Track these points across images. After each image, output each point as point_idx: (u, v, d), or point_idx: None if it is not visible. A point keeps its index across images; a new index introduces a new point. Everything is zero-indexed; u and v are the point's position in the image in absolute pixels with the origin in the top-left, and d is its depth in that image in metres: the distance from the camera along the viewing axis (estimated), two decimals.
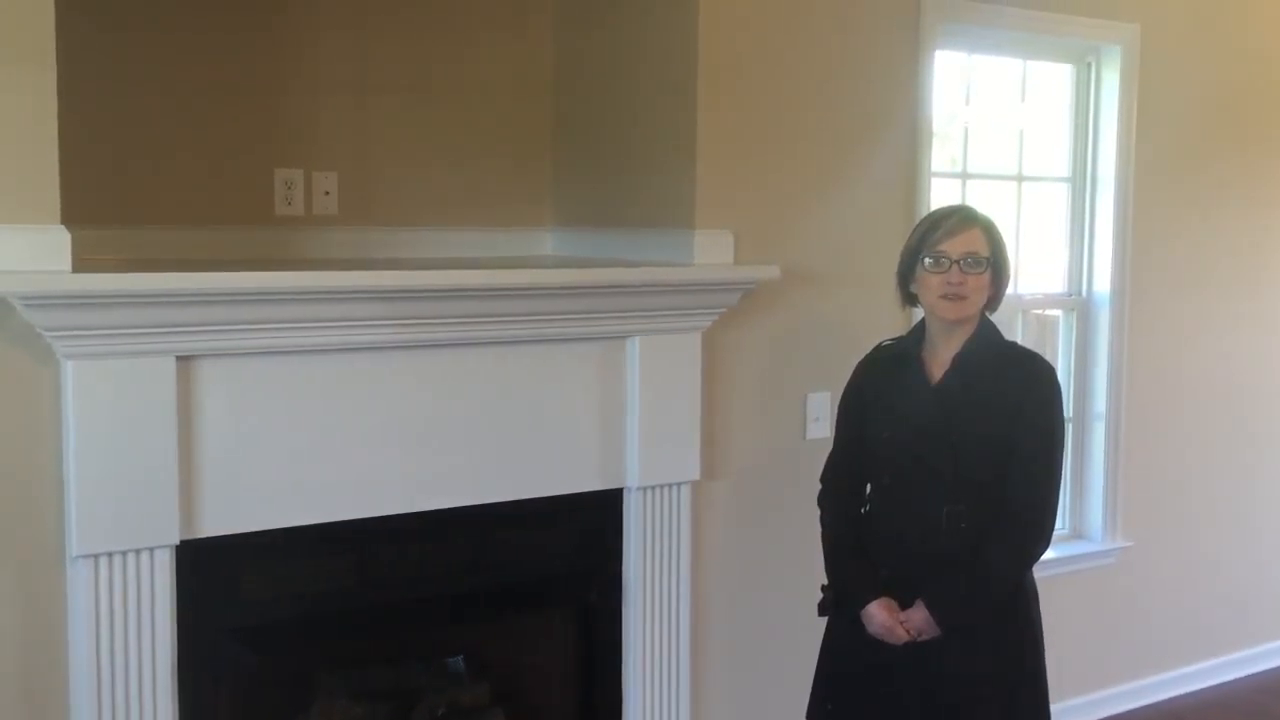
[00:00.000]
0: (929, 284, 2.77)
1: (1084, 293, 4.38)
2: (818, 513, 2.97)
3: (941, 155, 4.05)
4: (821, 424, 3.53)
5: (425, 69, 3.43)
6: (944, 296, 2.74)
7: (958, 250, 2.74)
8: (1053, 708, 2.89)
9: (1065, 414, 3.23)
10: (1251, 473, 4.80)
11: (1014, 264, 3.00)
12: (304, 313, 2.70)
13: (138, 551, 2.60)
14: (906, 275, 2.84)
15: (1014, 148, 4.31)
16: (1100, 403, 4.38)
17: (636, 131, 3.43)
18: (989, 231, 2.79)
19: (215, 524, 2.70)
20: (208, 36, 3.13)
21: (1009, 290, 2.89)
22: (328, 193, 3.31)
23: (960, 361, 2.78)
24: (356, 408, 2.85)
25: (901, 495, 2.80)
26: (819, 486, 2.99)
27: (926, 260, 2.77)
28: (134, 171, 3.04)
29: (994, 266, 2.77)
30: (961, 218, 2.80)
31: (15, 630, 2.55)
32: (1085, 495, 4.45)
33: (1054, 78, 4.33)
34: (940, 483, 2.73)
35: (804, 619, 3.01)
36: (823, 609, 2.92)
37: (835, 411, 3.03)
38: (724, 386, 3.42)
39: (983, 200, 4.05)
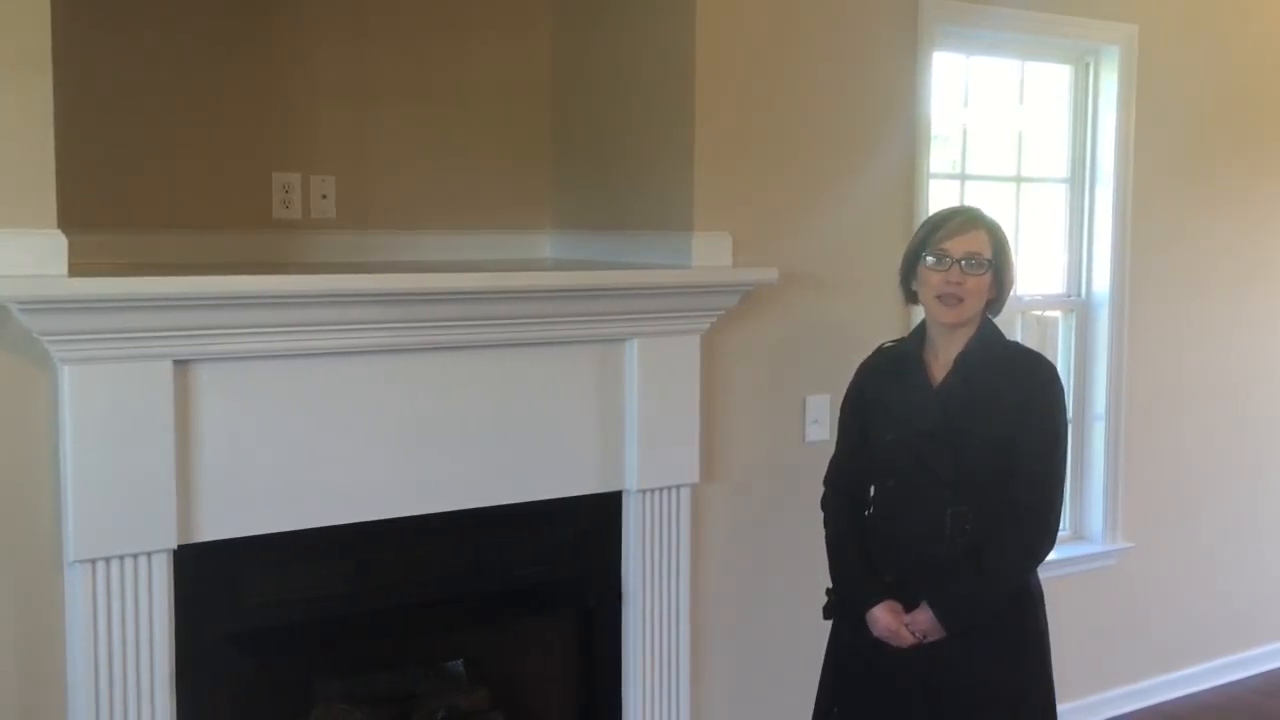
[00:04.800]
0: (929, 282, 2.76)
1: (1083, 294, 4.38)
2: (818, 515, 2.96)
3: (940, 157, 4.05)
4: (820, 426, 3.52)
5: (423, 72, 3.42)
6: (940, 298, 2.74)
7: (960, 250, 2.73)
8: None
9: (1067, 414, 3.21)
10: (1252, 473, 4.79)
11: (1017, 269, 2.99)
12: (301, 316, 2.70)
13: (135, 556, 2.59)
14: (909, 273, 2.83)
15: (1013, 149, 4.31)
16: (1100, 404, 4.37)
17: (635, 134, 3.42)
18: (993, 234, 2.78)
19: (213, 528, 2.69)
20: (205, 40, 3.12)
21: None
22: (325, 196, 3.30)
23: (962, 362, 2.77)
24: (354, 411, 2.84)
25: (905, 497, 2.79)
26: (819, 489, 2.98)
27: (928, 258, 2.76)
28: (131, 175, 3.03)
29: (996, 269, 2.76)
30: (966, 218, 2.79)
31: (12, 636, 2.54)
32: (1085, 497, 4.44)
33: (1052, 79, 4.32)
34: (943, 484, 2.72)
35: (806, 622, 3.00)
36: (827, 612, 2.92)
37: (834, 414, 3.02)
38: (723, 389, 3.41)
39: (982, 201, 4.03)
